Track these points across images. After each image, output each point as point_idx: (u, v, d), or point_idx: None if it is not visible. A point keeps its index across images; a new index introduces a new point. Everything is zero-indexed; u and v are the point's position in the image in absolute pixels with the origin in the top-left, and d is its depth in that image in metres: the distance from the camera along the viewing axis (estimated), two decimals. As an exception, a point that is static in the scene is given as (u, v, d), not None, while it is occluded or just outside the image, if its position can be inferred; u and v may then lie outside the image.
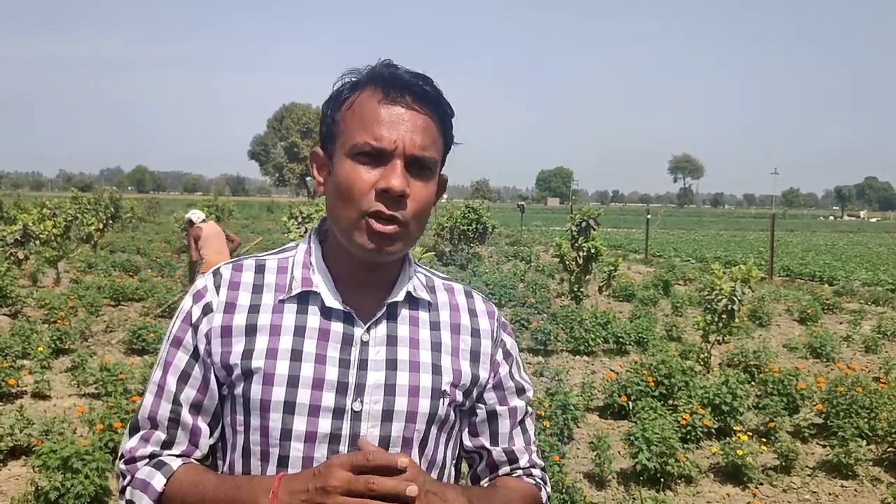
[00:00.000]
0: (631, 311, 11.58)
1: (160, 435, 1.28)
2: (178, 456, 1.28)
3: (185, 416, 1.28)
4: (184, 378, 1.28)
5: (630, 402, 6.46)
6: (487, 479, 1.44)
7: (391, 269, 1.33)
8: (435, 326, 1.36)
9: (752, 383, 7.13)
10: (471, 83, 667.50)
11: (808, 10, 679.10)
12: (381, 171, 1.21)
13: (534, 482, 1.44)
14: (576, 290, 11.57)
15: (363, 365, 1.26)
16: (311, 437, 1.22)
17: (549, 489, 1.48)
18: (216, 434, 1.31)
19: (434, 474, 1.32)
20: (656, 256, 24.02)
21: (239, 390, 1.24)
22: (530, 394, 1.46)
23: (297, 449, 1.22)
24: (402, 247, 1.25)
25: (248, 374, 1.24)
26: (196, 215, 9.86)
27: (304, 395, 1.22)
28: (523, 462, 1.44)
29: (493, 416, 1.41)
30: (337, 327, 1.27)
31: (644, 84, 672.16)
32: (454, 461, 1.41)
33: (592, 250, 11.50)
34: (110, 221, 20.03)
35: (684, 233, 44.98)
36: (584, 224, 11.90)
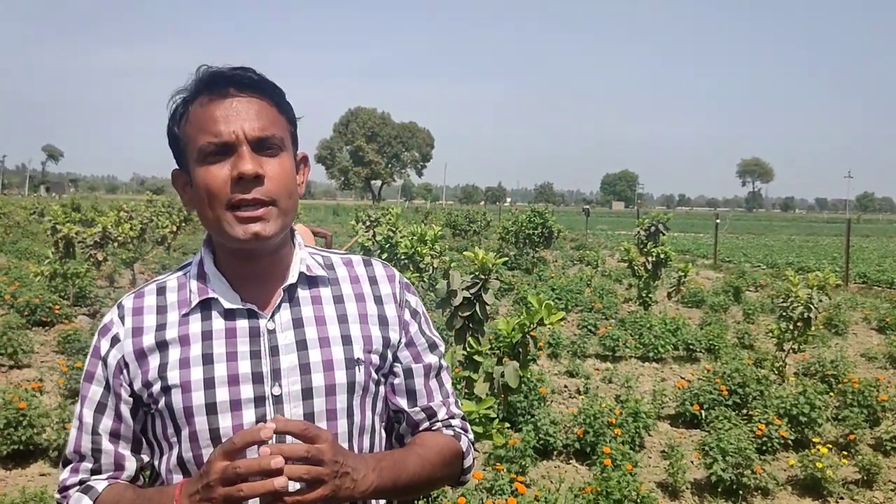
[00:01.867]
0: (701, 318, 11.35)
1: (87, 464, 1.36)
2: (106, 479, 1.36)
3: (106, 444, 1.35)
4: (100, 410, 1.35)
5: (703, 411, 6.34)
6: (410, 437, 1.48)
7: (281, 258, 1.37)
8: (339, 300, 1.40)
9: (831, 394, 6.93)
10: (537, 86, 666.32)
11: (878, 8, 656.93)
12: (231, 161, 1.25)
13: (452, 433, 1.48)
14: (644, 295, 11.40)
15: (275, 351, 1.31)
16: (238, 431, 1.26)
17: (470, 436, 1.52)
18: (144, 456, 1.37)
19: (366, 439, 1.38)
20: (725, 262, 23.47)
21: (163, 404, 1.30)
22: (442, 348, 1.51)
23: None
24: (276, 226, 1.28)
25: (167, 387, 1.29)
26: None
27: (222, 394, 1.28)
28: (441, 415, 1.49)
29: (409, 373, 1.45)
30: (242, 324, 1.32)
31: (711, 85, 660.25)
32: (383, 423, 1.46)
33: (662, 255, 11.31)
34: (183, 224, 20.52)
35: (754, 238, 43.85)
36: (652, 229, 11.73)
